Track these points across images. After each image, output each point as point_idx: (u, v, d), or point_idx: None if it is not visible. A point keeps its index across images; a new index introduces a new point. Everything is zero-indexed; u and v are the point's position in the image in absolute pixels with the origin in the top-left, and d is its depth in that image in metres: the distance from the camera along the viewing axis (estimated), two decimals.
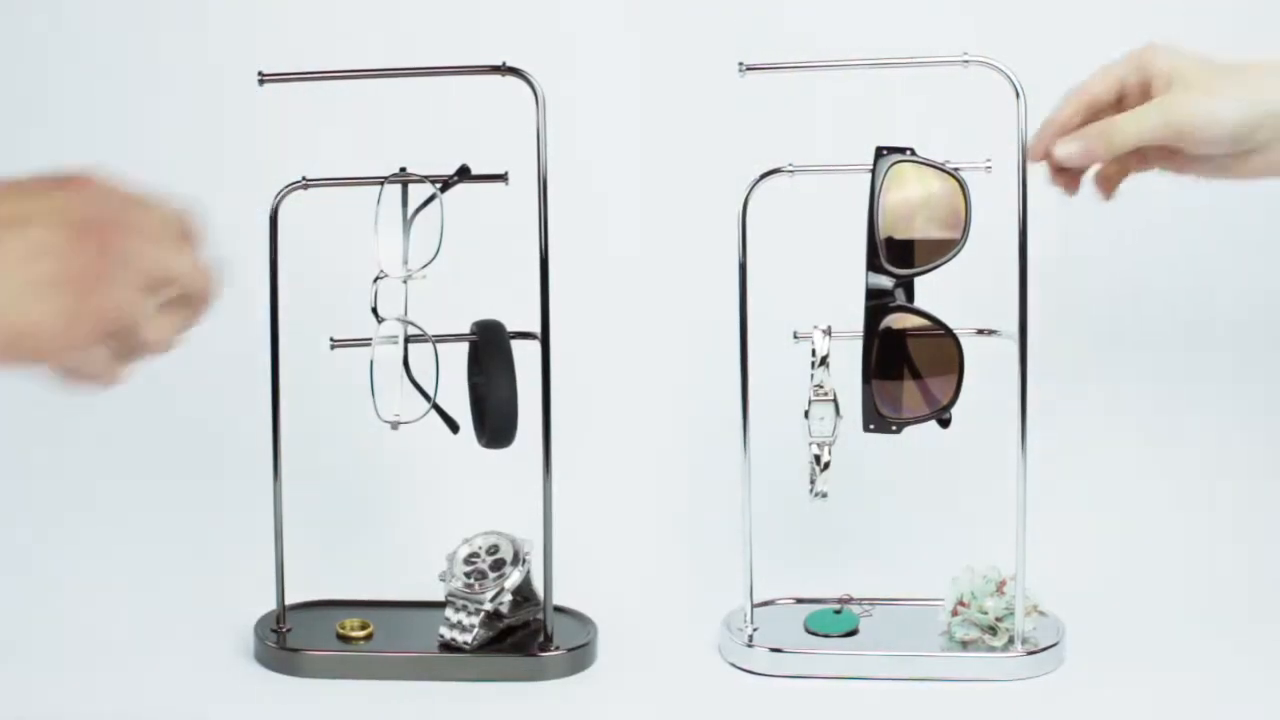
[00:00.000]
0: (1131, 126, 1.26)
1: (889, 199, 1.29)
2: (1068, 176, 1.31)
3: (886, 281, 1.30)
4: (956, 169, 1.29)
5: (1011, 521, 1.31)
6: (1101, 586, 1.45)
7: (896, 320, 1.31)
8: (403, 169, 1.29)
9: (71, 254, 0.95)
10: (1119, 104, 1.29)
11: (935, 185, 1.29)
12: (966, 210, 1.28)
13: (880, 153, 1.29)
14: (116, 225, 0.97)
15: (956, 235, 1.29)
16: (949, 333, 1.30)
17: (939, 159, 1.29)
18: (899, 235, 1.29)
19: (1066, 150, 1.28)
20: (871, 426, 1.31)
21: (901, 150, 1.29)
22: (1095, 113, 1.29)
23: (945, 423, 1.32)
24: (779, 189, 1.32)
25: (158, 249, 0.99)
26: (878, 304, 1.30)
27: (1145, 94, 1.27)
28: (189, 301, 1.02)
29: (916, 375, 1.31)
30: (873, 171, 1.29)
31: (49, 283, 0.94)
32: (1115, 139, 1.26)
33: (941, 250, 1.29)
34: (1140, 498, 1.55)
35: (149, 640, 1.38)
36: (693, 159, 1.59)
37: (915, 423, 1.31)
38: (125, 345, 1.01)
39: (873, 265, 1.30)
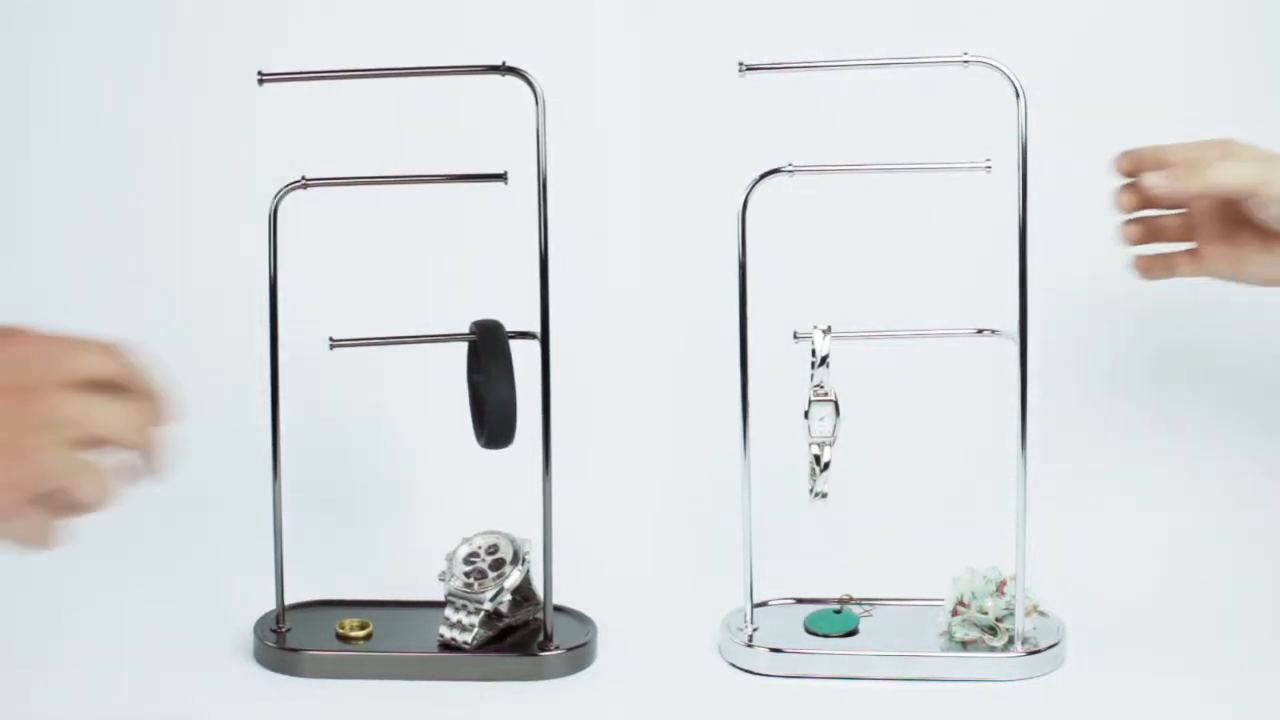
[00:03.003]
0: (1227, 167, 1.28)
1: None
2: (1141, 232, 1.34)
3: None
4: None
5: (1011, 521, 1.31)
6: (1101, 586, 1.45)
7: None
8: None
9: None
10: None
11: None
12: None
13: None
14: (40, 386, 0.94)
15: None
16: None
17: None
18: None
19: (1155, 179, 1.30)
20: None
21: None
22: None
23: None
24: (779, 189, 1.32)
25: (87, 405, 0.95)
26: None
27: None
28: (133, 450, 0.98)
29: None
30: None
31: None
32: (1208, 174, 1.28)
33: None
34: (1140, 498, 1.55)
35: (149, 640, 1.38)
36: (693, 159, 1.58)
37: None
38: (59, 506, 0.97)
39: None
